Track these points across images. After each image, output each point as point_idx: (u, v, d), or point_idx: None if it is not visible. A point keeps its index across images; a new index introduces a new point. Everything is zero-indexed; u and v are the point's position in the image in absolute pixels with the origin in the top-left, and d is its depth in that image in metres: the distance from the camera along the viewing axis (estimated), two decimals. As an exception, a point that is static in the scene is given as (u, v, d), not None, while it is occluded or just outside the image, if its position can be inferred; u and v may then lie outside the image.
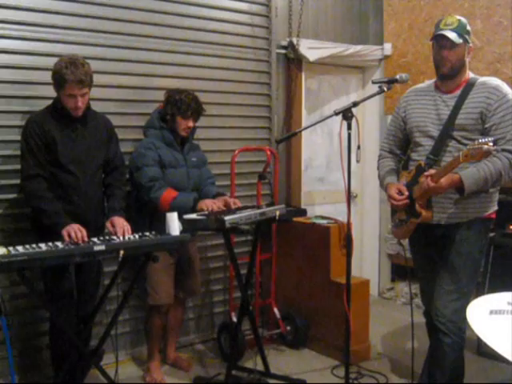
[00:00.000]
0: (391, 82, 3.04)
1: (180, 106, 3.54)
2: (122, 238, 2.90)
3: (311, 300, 4.14)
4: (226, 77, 4.36)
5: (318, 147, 5.17)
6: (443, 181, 2.76)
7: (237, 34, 4.41)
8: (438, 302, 2.95)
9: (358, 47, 5.05)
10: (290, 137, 3.49)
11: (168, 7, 4.03)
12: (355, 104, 3.04)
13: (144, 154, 3.49)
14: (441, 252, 3.03)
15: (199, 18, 4.19)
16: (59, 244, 2.75)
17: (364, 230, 5.51)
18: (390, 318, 4.82)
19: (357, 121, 3.04)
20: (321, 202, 5.15)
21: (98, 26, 3.73)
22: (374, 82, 3.12)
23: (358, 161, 3.04)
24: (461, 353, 2.99)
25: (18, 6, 3.43)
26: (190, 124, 3.59)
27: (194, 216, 3.17)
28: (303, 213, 4.29)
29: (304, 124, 4.80)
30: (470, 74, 2.99)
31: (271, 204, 3.59)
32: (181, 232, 3.01)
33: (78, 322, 3.18)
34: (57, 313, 3.00)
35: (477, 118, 2.85)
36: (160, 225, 3.12)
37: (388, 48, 5.20)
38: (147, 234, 2.99)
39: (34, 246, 2.69)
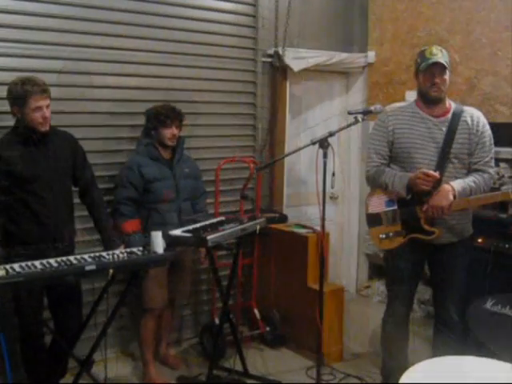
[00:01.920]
0: (366, 113, 3.26)
1: (159, 118, 3.76)
2: (111, 256, 3.07)
3: (289, 303, 4.38)
4: (211, 87, 4.51)
5: (301, 151, 5.30)
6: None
7: (223, 45, 4.55)
8: (446, 310, 3.38)
9: (343, 55, 5.20)
10: (269, 165, 3.70)
11: (154, 21, 4.14)
12: (331, 134, 3.24)
13: (123, 174, 3.75)
14: (435, 264, 3.41)
15: (185, 30, 4.31)
16: (52, 262, 2.89)
17: (344, 229, 5.74)
18: (366, 316, 5.09)
19: (332, 149, 3.25)
20: (303, 204, 5.35)
21: (78, 40, 3.82)
22: (349, 113, 3.32)
23: (332, 187, 3.26)
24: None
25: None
26: (174, 131, 3.79)
27: (178, 233, 3.38)
28: (284, 219, 4.55)
29: (288, 130, 5.00)
30: (450, 101, 3.31)
31: (253, 218, 3.80)
32: (164, 249, 3.20)
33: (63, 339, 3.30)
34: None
35: (468, 146, 3.22)
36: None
37: (372, 56, 5.37)
38: (135, 250, 3.18)
39: (28, 264, 2.82)
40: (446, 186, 3.14)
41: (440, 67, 3.13)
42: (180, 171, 3.88)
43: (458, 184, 3.15)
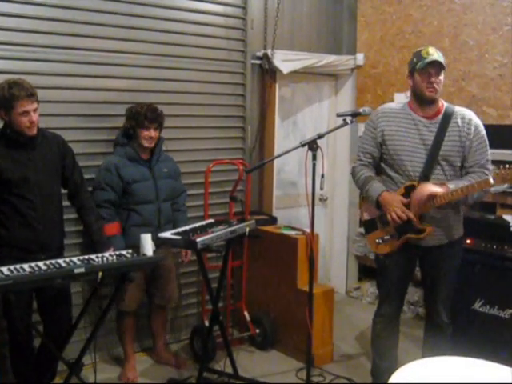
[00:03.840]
0: (355, 115, 3.27)
1: (138, 118, 3.72)
2: (100, 259, 3.06)
3: (279, 305, 4.38)
4: (201, 89, 4.51)
5: (290, 153, 5.32)
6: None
7: (212, 48, 4.55)
8: (436, 312, 3.40)
9: (332, 58, 5.22)
10: (258, 167, 3.70)
11: (143, 23, 4.14)
12: (320, 136, 3.25)
13: (101, 177, 3.71)
14: (426, 266, 3.42)
15: (175, 32, 4.31)
16: (41, 265, 2.88)
17: (333, 231, 5.76)
18: (355, 317, 5.12)
19: (321, 151, 3.26)
20: (293, 206, 5.38)
21: (59, 43, 3.80)
22: (338, 115, 3.32)
23: (321, 189, 3.27)
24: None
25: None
26: (152, 134, 3.74)
27: (168, 235, 3.38)
28: (273, 221, 4.57)
29: (277, 132, 5.00)
30: (443, 102, 3.30)
31: (242, 220, 3.80)
32: (154, 251, 3.21)
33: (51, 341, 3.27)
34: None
35: (459, 148, 3.21)
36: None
37: (360, 58, 5.39)
38: (124, 253, 3.17)
39: (17, 267, 2.80)
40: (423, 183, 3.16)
41: (437, 67, 3.13)
42: (159, 172, 3.85)
43: (453, 184, 3.13)
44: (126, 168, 3.73)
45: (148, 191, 3.78)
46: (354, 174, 3.48)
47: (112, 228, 3.65)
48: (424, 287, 3.58)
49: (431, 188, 3.11)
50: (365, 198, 3.51)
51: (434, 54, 3.14)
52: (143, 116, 3.70)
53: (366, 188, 3.37)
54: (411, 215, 3.18)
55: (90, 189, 3.68)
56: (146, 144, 3.77)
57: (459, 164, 3.25)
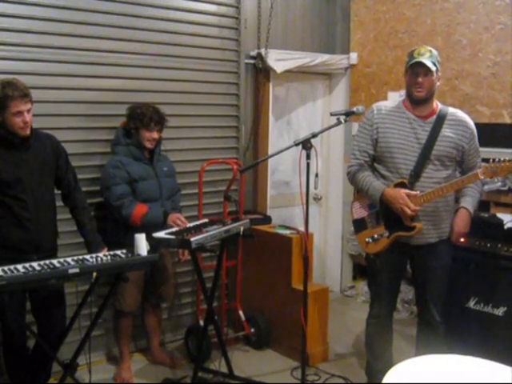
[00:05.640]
0: (348, 114, 3.26)
1: (142, 119, 3.71)
2: (95, 259, 3.06)
3: (274, 304, 4.39)
4: (194, 89, 4.51)
5: (285, 153, 5.32)
6: None
7: (206, 47, 4.55)
8: (428, 310, 3.39)
9: (325, 57, 5.22)
10: (253, 166, 3.70)
11: (137, 23, 4.14)
12: (314, 135, 3.24)
13: (111, 174, 3.67)
14: (417, 265, 3.42)
15: (168, 32, 4.31)
16: (35, 265, 2.89)
17: (328, 230, 5.76)
18: (350, 316, 5.13)
19: (315, 150, 3.26)
20: (287, 205, 5.39)
21: (59, 42, 3.82)
22: (332, 114, 3.32)
23: (315, 188, 3.28)
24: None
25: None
26: (155, 135, 3.76)
27: (162, 235, 3.37)
28: (268, 220, 4.57)
29: (271, 131, 5.00)
30: (437, 103, 3.31)
31: (236, 219, 3.80)
32: (148, 251, 3.20)
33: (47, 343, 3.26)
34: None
35: (452, 149, 3.22)
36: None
37: (354, 57, 5.40)
38: (118, 253, 3.17)
39: (11, 268, 2.82)
40: (464, 212, 3.26)
41: (423, 67, 3.11)
42: (160, 170, 3.87)
43: (470, 204, 3.25)
44: (132, 166, 3.73)
45: (153, 189, 3.79)
46: (349, 174, 3.46)
47: (141, 209, 3.64)
48: (415, 286, 3.59)
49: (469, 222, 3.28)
50: (357, 197, 3.53)
51: (425, 54, 3.13)
52: (149, 118, 3.71)
53: (365, 189, 3.35)
54: (416, 208, 3.16)
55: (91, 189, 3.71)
56: (148, 145, 3.77)
57: (453, 165, 3.27)
